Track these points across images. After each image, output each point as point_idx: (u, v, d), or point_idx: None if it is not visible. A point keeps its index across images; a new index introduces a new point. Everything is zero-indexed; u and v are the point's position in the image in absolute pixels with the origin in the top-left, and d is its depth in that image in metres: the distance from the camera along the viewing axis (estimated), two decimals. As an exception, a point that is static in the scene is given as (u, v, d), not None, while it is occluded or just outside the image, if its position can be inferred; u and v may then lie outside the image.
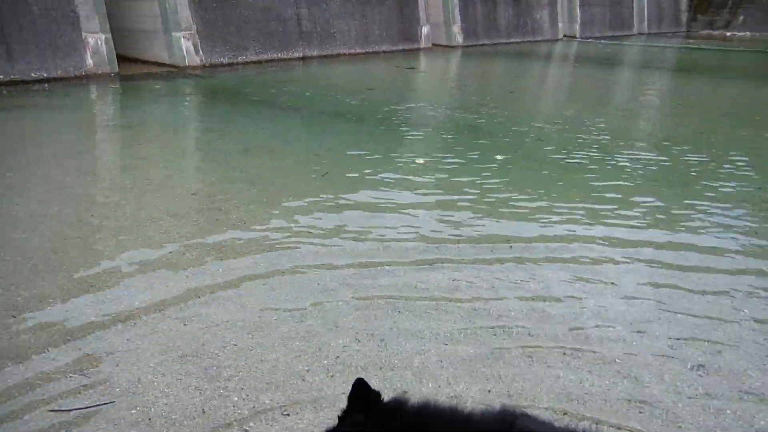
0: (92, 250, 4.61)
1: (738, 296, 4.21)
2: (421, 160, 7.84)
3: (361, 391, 1.57)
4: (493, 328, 3.69)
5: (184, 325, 3.57)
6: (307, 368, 3.20)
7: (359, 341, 3.50)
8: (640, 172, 7.71)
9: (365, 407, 1.57)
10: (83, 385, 2.95)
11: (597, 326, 3.75)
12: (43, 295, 3.85)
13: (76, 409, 2.78)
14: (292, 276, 4.29)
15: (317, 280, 4.24)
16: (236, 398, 2.95)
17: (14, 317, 3.58)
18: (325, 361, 3.28)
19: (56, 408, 2.78)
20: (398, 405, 1.59)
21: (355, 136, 9.25)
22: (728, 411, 2.99)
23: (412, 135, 9.52)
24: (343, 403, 1.60)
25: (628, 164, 8.04)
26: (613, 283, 4.38)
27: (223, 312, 3.75)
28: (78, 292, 3.91)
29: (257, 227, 5.18)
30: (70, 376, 3.03)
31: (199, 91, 12.90)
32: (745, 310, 4.01)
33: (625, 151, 8.72)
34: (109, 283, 4.05)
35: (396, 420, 1.54)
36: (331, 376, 3.14)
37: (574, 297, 4.14)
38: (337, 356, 3.33)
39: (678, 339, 3.63)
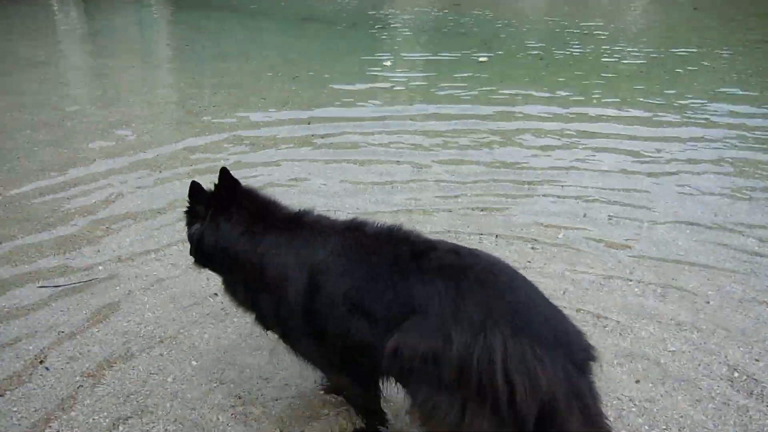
0: (65, 152, 4.61)
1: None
2: (388, 63, 7.73)
3: (224, 178, 2.03)
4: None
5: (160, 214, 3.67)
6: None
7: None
8: (626, 66, 7.73)
9: (224, 190, 2.04)
10: (67, 266, 3.08)
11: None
12: (24, 193, 3.89)
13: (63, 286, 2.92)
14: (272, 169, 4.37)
15: (297, 170, 4.32)
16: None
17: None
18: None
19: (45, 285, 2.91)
20: (249, 191, 2.09)
21: (327, 39, 9.05)
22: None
23: (387, 37, 9.33)
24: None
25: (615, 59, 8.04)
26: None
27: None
28: (56, 190, 3.95)
29: (228, 128, 5.19)
30: (54, 257, 3.16)
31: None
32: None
33: (616, 47, 8.68)
34: (83, 181, 4.09)
35: (239, 201, 2.03)
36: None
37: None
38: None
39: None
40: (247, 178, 4.15)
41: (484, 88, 6.47)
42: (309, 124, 5.29)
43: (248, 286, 2.00)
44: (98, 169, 4.29)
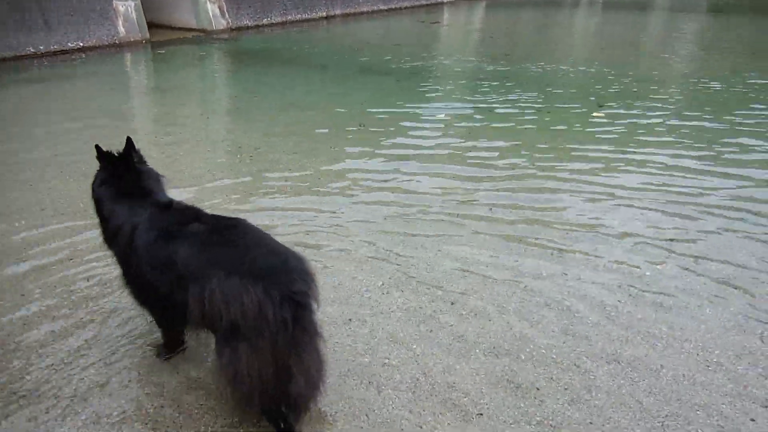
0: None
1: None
2: (441, 115, 8.00)
3: (129, 146, 2.80)
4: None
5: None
6: (367, 289, 3.53)
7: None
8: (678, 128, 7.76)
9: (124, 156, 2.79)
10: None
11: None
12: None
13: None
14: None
15: (371, 211, 4.56)
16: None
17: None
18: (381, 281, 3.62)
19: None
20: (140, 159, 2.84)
21: (386, 91, 9.42)
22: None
23: (437, 88, 9.65)
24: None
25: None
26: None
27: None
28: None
29: (301, 174, 5.49)
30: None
31: (229, 53, 13.13)
32: None
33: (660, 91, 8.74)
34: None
35: (127, 168, 2.77)
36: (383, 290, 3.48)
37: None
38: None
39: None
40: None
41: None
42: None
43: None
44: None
